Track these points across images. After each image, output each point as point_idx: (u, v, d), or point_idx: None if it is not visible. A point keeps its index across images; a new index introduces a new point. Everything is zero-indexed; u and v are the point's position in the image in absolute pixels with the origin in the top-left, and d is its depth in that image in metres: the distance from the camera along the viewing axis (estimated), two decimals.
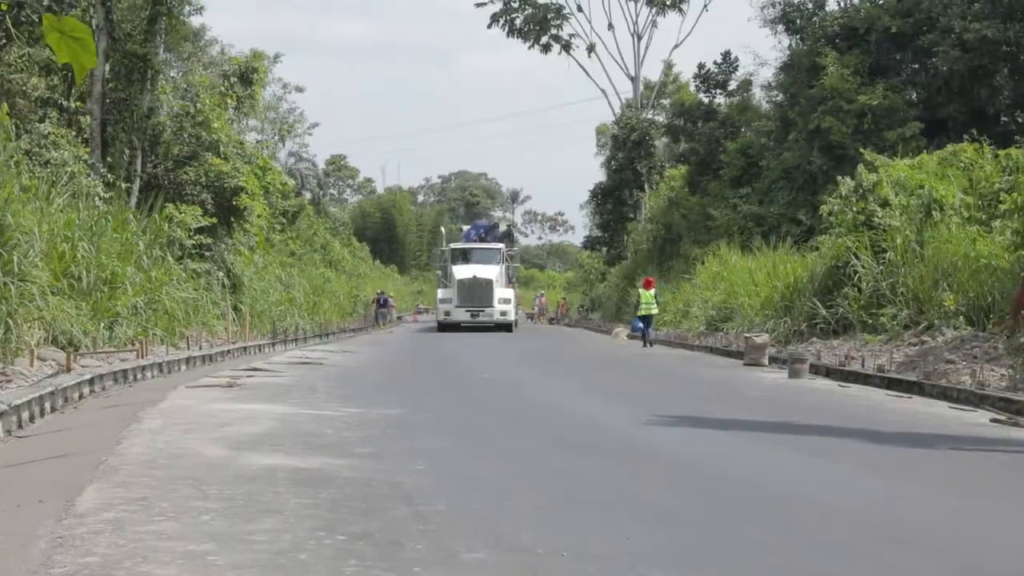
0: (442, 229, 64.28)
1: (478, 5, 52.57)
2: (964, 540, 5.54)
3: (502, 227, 52.27)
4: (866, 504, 6.35)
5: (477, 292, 37.13)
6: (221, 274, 24.44)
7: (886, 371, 15.17)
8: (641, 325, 27.49)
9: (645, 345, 26.65)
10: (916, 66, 31.34)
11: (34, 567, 4.45)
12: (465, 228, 48.29)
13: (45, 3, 20.89)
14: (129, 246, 18.76)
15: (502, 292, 37.94)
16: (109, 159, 22.21)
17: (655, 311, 27.98)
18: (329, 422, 9.53)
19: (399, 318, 54.36)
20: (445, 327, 37.35)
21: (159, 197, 22.25)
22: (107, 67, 22.18)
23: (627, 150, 50.08)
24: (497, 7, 52.43)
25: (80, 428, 9.35)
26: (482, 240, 42.66)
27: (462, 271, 38.15)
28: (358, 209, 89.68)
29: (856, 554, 5.10)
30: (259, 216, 27.28)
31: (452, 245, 42.74)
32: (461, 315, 37.12)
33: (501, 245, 41.46)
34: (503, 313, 37.33)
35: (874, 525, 5.71)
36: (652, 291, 27.93)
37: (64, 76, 21.66)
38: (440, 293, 39.88)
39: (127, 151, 22.70)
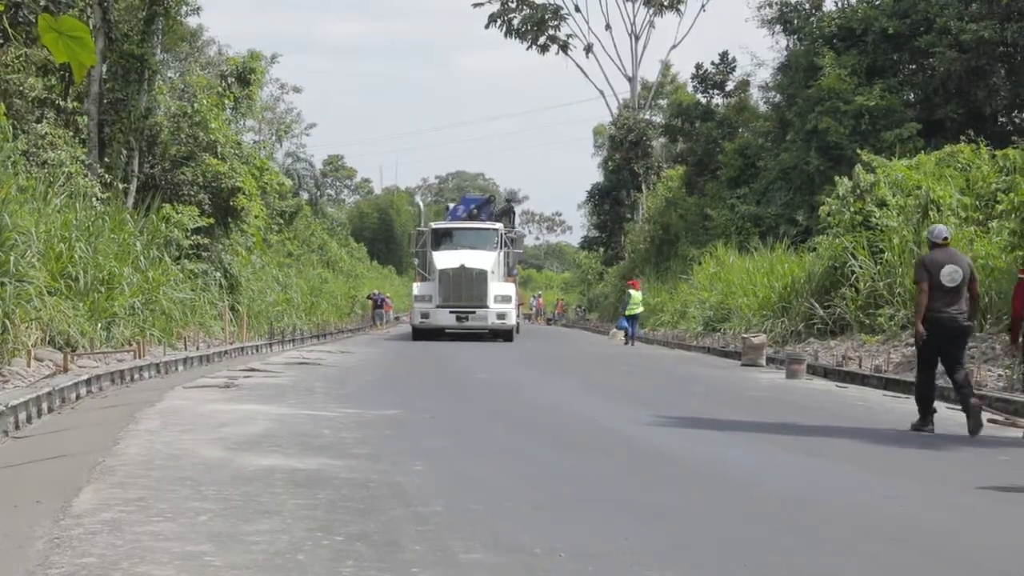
0: (419, 202, 51.19)
1: (475, 5, 52.64)
2: (962, 540, 5.55)
3: (500, 202, 39.16)
4: (865, 504, 6.35)
5: (466, 286, 27.57)
6: (218, 274, 24.42)
7: (883, 371, 15.19)
8: (626, 324, 29.17)
9: (627, 343, 28.41)
10: (913, 67, 31.36)
11: (31, 568, 4.44)
12: (452, 204, 36.82)
13: (42, 3, 20.88)
14: (126, 246, 18.76)
15: (499, 287, 28.26)
16: (106, 159, 22.19)
17: (640, 311, 29.76)
18: (327, 423, 9.50)
19: (396, 318, 54.29)
20: (421, 334, 27.94)
21: (156, 197, 22.26)
22: (104, 67, 22.17)
23: (624, 150, 50.17)
24: (495, 7, 52.55)
25: (77, 429, 9.32)
26: (473, 218, 32.56)
27: (445, 258, 28.13)
28: (356, 209, 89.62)
29: (855, 553, 5.10)
30: (256, 216, 27.23)
31: (433, 224, 31.59)
32: (444, 318, 27.76)
33: (499, 225, 31.18)
34: (500, 315, 27.95)
35: (873, 525, 5.71)
36: (639, 292, 30.02)
37: (61, 76, 21.65)
38: (416, 288, 29.10)
39: (124, 151, 22.68)
